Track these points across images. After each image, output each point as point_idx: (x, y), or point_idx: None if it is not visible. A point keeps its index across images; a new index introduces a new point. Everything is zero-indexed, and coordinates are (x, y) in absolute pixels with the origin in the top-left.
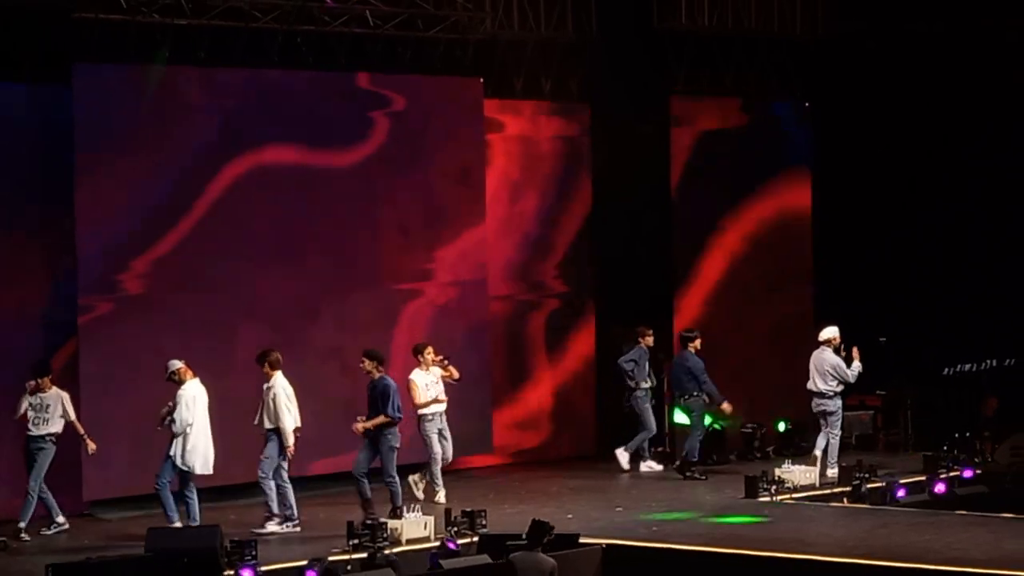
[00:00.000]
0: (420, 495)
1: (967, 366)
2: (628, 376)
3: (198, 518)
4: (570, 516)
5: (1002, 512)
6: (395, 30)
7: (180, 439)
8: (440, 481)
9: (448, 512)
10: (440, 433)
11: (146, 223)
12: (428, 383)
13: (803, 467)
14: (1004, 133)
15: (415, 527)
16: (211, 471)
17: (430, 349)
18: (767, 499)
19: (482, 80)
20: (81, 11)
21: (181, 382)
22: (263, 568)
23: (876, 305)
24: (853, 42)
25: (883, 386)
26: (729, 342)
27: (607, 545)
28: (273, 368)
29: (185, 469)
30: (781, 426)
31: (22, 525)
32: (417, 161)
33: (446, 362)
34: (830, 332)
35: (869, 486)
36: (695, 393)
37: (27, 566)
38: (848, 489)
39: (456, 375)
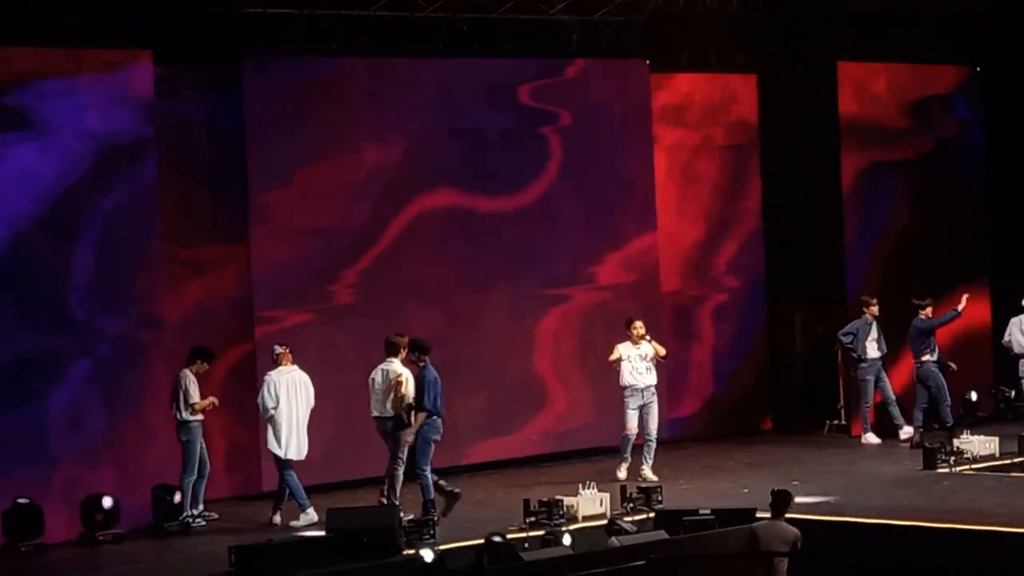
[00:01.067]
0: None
1: None
2: (849, 349)
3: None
4: (746, 490)
5: None
6: (561, 14)
7: (269, 425)
8: (628, 456)
9: (623, 488)
10: (642, 409)
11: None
12: (631, 355)
13: (983, 437)
14: None
15: (590, 503)
16: (302, 458)
17: (638, 324)
18: (945, 470)
19: (648, 62)
20: (248, 6)
21: (277, 366)
22: (441, 547)
23: None
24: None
25: None
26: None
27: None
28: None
29: (276, 454)
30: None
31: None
32: (588, 170)
33: (649, 338)
34: None
35: None
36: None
37: (211, 547)
38: None
39: (663, 352)
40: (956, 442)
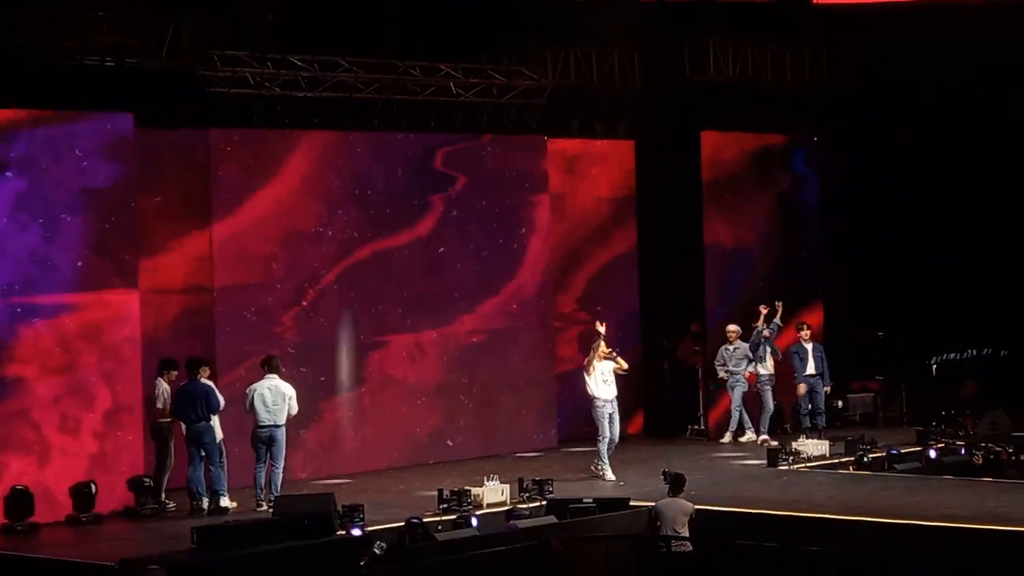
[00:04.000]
0: (600, 472)
1: (952, 355)
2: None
3: None
4: (622, 483)
5: (982, 476)
6: (473, 97)
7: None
8: (607, 460)
9: (520, 480)
10: (610, 417)
11: None
12: (604, 370)
13: (816, 440)
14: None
15: (494, 493)
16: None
17: (602, 344)
18: (785, 467)
19: (546, 138)
20: (216, 86)
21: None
22: (368, 528)
23: (876, 304)
24: (850, 91)
25: (881, 372)
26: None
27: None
28: None
29: None
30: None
31: None
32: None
33: (615, 354)
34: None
35: (871, 456)
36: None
37: (176, 529)
38: (853, 459)
39: (624, 366)
40: (794, 444)
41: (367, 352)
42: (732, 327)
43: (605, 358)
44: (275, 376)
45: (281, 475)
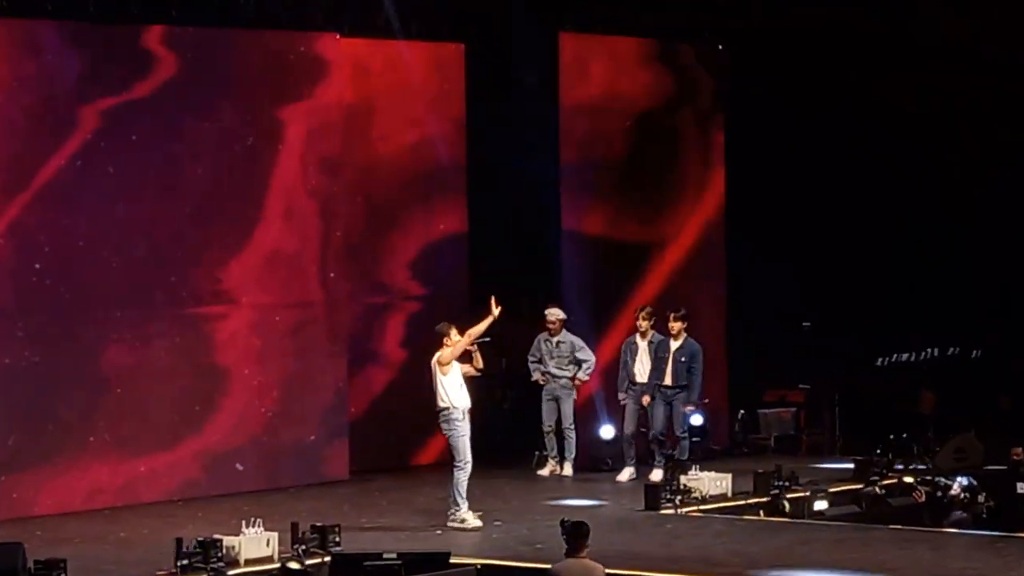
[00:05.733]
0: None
1: (904, 356)
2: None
3: None
4: (439, 532)
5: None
6: None
7: None
8: (463, 499)
9: (295, 527)
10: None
11: None
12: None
13: (714, 474)
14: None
15: (256, 544)
16: None
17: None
18: (670, 511)
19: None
20: None
21: None
22: None
23: (797, 286)
24: None
25: (806, 379)
26: None
27: (481, 566)
28: None
29: None
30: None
31: None
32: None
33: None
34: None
35: (788, 496)
36: None
37: None
38: (765, 500)
39: (480, 364)
40: (683, 479)
41: None
42: (553, 312)
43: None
44: None
45: None
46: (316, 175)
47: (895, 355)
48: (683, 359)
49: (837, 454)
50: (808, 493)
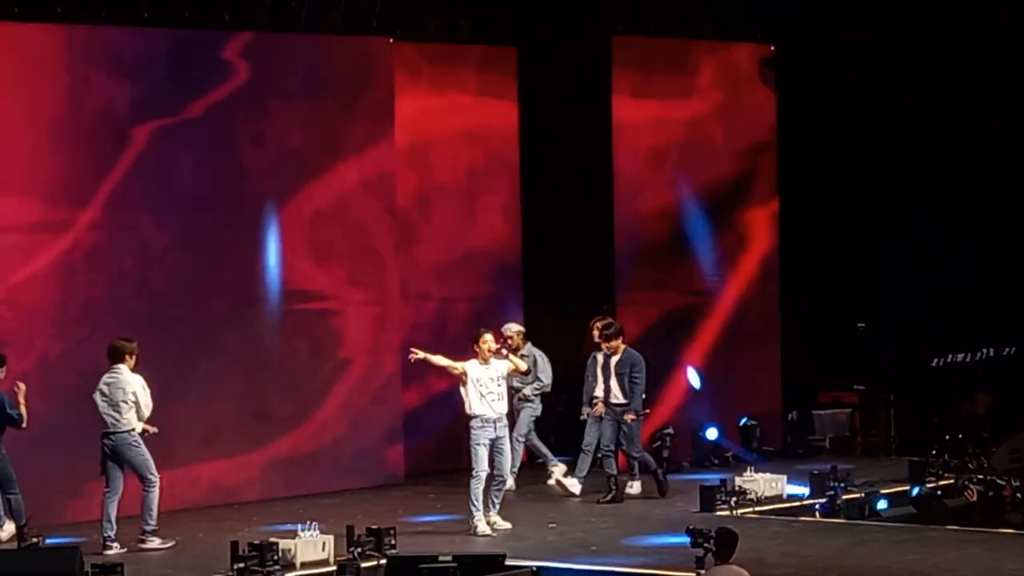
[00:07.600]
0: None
1: (959, 356)
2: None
3: None
4: (495, 534)
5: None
6: None
7: None
8: (481, 506)
9: (350, 529)
10: (494, 445)
11: None
12: (483, 378)
13: (768, 475)
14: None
15: (311, 548)
16: None
17: (487, 338)
18: (726, 512)
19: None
20: None
21: None
22: None
23: (854, 287)
24: None
25: (862, 380)
26: None
27: (538, 568)
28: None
29: None
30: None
31: None
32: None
33: (505, 351)
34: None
35: (844, 497)
36: None
37: None
38: (821, 502)
39: (523, 367)
40: (739, 480)
41: None
42: (511, 327)
43: (493, 357)
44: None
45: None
46: (374, 179)
47: (950, 356)
48: (623, 372)
49: (892, 455)
50: (863, 494)
